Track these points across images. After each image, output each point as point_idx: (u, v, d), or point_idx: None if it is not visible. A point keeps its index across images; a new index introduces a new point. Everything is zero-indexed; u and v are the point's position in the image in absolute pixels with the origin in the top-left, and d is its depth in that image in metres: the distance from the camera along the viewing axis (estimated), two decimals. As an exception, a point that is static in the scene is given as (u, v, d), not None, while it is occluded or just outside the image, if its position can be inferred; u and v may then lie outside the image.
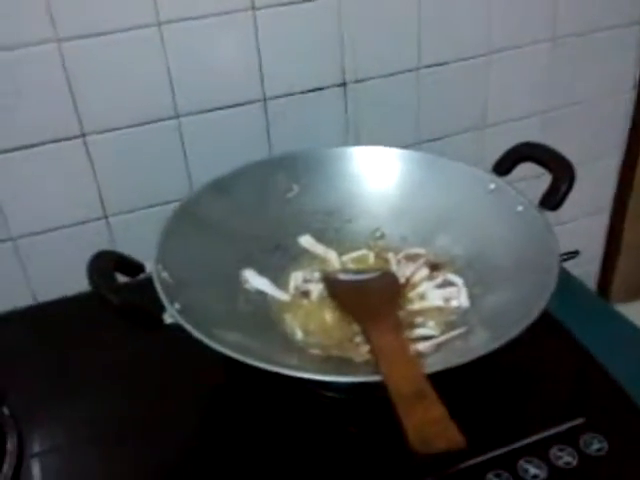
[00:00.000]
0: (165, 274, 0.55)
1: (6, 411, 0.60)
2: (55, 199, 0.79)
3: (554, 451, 0.54)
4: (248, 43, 0.79)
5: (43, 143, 0.76)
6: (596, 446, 0.54)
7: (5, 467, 0.54)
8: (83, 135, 0.77)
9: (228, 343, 0.49)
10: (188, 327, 0.49)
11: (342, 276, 0.63)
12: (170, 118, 0.80)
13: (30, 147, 0.76)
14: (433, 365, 0.47)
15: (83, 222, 0.82)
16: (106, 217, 0.83)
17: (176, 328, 0.51)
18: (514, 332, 0.49)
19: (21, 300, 0.83)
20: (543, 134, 1.00)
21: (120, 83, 0.75)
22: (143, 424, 0.60)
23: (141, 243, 0.75)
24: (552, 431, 0.55)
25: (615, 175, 1.13)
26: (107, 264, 0.52)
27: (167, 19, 0.74)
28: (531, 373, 0.61)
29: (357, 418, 0.60)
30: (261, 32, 0.79)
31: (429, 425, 0.39)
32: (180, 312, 0.51)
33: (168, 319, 0.51)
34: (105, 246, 0.83)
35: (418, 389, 0.42)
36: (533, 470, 0.53)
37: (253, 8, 0.77)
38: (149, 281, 0.54)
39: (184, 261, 0.58)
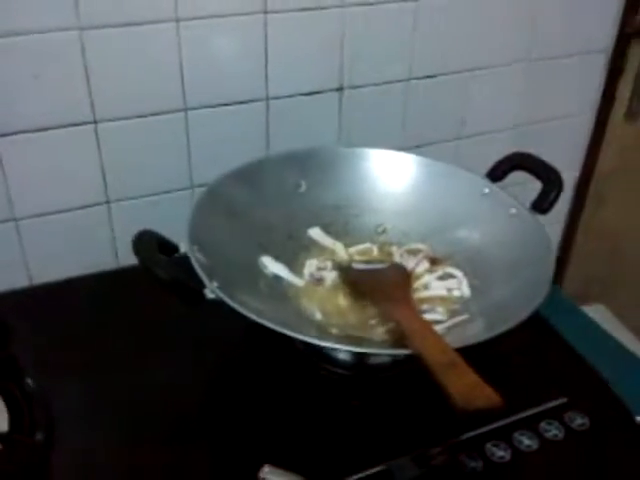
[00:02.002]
0: (200, 255, 0.59)
1: (31, 382, 0.62)
2: (60, 182, 0.81)
3: (543, 425, 0.61)
4: (257, 45, 0.84)
5: (56, 127, 0.78)
6: (579, 422, 0.62)
7: (38, 435, 0.56)
8: (95, 122, 0.79)
9: (262, 315, 0.53)
10: (230, 302, 0.53)
11: (356, 265, 0.68)
12: (178, 110, 0.83)
13: (43, 130, 0.77)
14: (452, 343, 0.53)
15: (84, 206, 0.84)
16: (108, 202, 0.85)
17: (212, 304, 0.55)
18: (513, 322, 0.55)
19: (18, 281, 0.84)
20: (514, 147, 1.08)
21: (135, 74, 0.79)
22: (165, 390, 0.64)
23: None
24: (541, 408, 0.62)
25: (572, 189, 1.22)
26: (151, 242, 0.56)
27: (185, 16, 0.78)
28: (520, 361, 0.68)
29: (359, 393, 0.65)
30: (270, 35, 0.83)
31: (470, 387, 0.45)
32: (219, 288, 0.55)
33: (209, 294, 0.55)
34: (105, 231, 0.87)
35: (451, 359, 0.48)
36: (526, 441, 0.59)
37: (265, 12, 0.82)
38: (183, 260, 0.58)
39: (211, 245, 0.62)
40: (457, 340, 0.54)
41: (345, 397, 0.64)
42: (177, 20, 0.78)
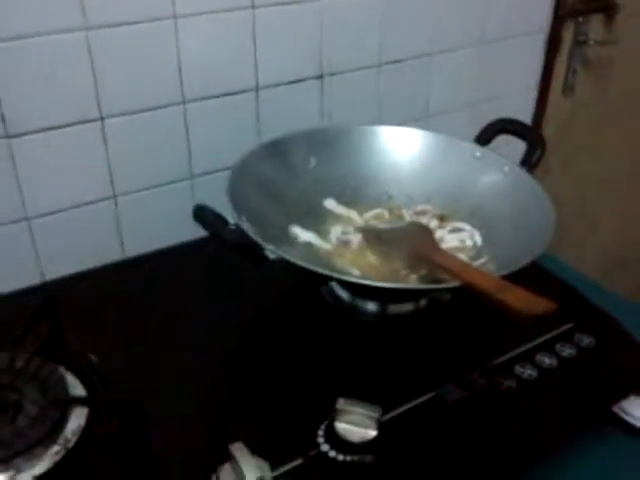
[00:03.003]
0: (247, 224, 0.64)
1: (94, 358, 0.65)
2: (70, 180, 0.84)
3: (559, 346, 0.70)
4: (247, 38, 0.89)
5: (65, 126, 0.80)
6: (586, 341, 0.71)
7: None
8: (102, 119, 0.82)
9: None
10: (289, 258, 0.59)
11: (381, 226, 0.75)
12: (177, 104, 0.88)
13: (53, 129, 0.80)
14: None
15: (92, 202, 0.87)
16: (115, 196, 0.88)
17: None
18: (535, 252, 0.63)
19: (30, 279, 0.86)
20: (470, 124, 1.18)
21: (137, 70, 0.83)
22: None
23: (146, 221, 0.84)
24: (555, 332, 0.71)
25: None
26: (212, 213, 0.61)
27: (183, 13, 0.82)
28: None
29: (386, 340, 0.72)
30: (258, 28, 0.89)
31: (527, 298, 0.52)
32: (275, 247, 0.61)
33: (271, 255, 0.60)
34: (112, 224, 0.89)
35: (501, 282, 0.56)
36: (547, 360, 0.68)
37: (253, 7, 0.88)
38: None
39: (252, 214, 0.67)
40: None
41: (379, 340, 0.71)
42: (175, 17, 0.82)
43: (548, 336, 0.71)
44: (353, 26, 0.98)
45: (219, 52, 0.88)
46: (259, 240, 0.61)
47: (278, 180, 0.76)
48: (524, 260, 0.62)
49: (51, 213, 0.84)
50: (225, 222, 0.65)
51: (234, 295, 0.77)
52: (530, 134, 0.80)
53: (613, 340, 0.72)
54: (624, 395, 0.66)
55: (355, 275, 0.69)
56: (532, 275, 0.58)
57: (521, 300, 0.52)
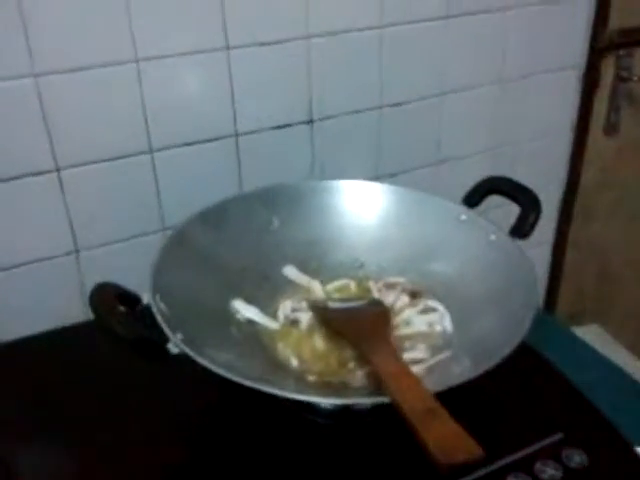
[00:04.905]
0: (163, 305, 0.55)
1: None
2: (25, 234, 0.78)
3: (539, 465, 0.57)
4: (222, 81, 0.82)
5: (16, 177, 0.75)
6: (577, 460, 0.58)
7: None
8: (57, 170, 0.77)
9: (234, 370, 0.50)
10: (195, 356, 0.50)
11: (332, 304, 0.65)
12: (144, 153, 0.81)
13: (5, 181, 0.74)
14: (432, 386, 0.50)
15: (51, 257, 0.81)
16: (77, 251, 0.82)
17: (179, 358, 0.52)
18: (500, 355, 0.52)
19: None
20: (491, 170, 1.07)
21: (95, 118, 0.76)
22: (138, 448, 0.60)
23: (110, 278, 0.77)
24: (535, 446, 0.58)
25: (557, 207, 1.20)
26: (109, 296, 0.53)
27: (145, 56, 0.76)
28: (510, 395, 0.65)
29: (345, 442, 0.61)
30: (234, 70, 0.82)
31: (449, 439, 0.41)
32: (184, 341, 0.52)
33: (174, 349, 0.51)
34: (74, 282, 0.83)
35: (430, 407, 0.44)
36: (520, 485, 0.56)
37: (227, 48, 0.80)
38: (146, 312, 0.55)
39: (178, 292, 0.59)
40: (439, 381, 0.51)
41: (330, 445, 0.60)
42: (137, 61, 0.76)
43: (527, 451, 0.58)
44: (346, 64, 0.88)
45: (189, 96, 0.81)
46: (166, 328, 0.52)
47: (225, 245, 0.67)
48: (497, 355, 0.52)
49: (3, 269, 0.79)
50: (137, 301, 0.56)
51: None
52: (523, 196, 0.68)
53: (610, 457, 0.58)
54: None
55: (290, 367, 0.59)
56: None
57: (441, 439, 0.41)
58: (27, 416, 0.64)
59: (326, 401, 0.50)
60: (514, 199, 0.69)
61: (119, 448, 0.60)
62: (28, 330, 0.80)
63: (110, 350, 0.54)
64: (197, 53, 0.79)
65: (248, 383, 0.48)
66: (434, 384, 0.50)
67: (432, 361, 0.59)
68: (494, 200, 0.74)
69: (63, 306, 0.83)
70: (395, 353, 0.54)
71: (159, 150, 0.82)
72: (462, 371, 0.55)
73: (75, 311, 0.82)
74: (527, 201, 0.67)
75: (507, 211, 0.73)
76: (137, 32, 0.73)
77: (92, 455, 0.60)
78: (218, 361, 0.51)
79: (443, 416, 0.43)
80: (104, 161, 0.79)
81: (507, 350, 0.52)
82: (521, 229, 0.67)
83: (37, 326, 0.80)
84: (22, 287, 0.81)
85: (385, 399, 0.48)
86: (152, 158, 0.82)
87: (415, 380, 0.49)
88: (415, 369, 0.57)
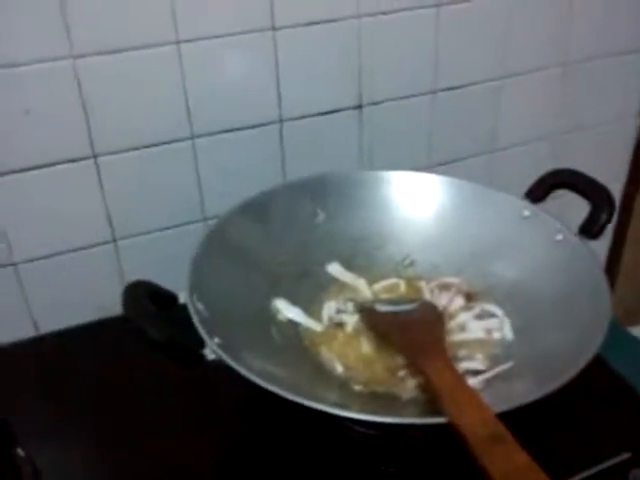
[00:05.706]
0: (200, 305, 0.52)
1: (21, 452, 0.56)
2: (62, 222, 0.76)
3: (608, 489, 0.52)
4: (267, 64, 0.77)
5: (53, 164, 0.72)
6: (648, 483, 0.53)
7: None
8: (95, 156, 0.74)
9: (274, 379, 0.46)
10: (233, 364, 0.46)
11: (380, 307, 0.60)
12: (184, 139, 0.77)
13: (40, 168, 0.71)
14: (493, 403, 0.45)
15: (90, 246, 0.78)
16: (114, 240, 0.79)
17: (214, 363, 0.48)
18: (569, 374, 0.46)
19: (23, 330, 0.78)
20: (551, 159, 1.00)
21: (134, 101, 0.72)
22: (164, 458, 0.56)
23: (149, 268, 0.73)
24: (600, 466, 0.53)
25: (618, 201, 1.13)
26: (143, 295, 0.49)
27: (186, 37, 0.72)
28: (574, 410, 0.59)
29: (390, 456, 0.57)
30: (280, 53, 0.77)
31: (518, 473, 0.36)
32: (221, 346, 0.48)
33: (210, 355, 0.48)
34: (113, 273, 0.80)
35: (494, 432, 0.39)
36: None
37: (273, 28, 0.75)
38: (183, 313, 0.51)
39: (216, 290, 0.55)
40: (500, 399, 0.46)
41: (374, 461, 0.56)
42: (178, 42, 0.72)
43: (591, 471, 0.53)
44: (401, 45, 0.82)
45: (232, 80, 0.77)
46: (202, 331, 0.49)
47: (267, 239, 0.63)
48: (565, 374, 0.46)
49: (38, 258, 0.77)
50: (173, 301, 0.53)
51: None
52: (594, 192, 0.62)
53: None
54: None
55: (335, 373, 0.55)
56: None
57: (509, 473, 0.36)
58: (55, 412, 0.61)
59: (373, 419, 0.45)
60: (584, 195, 0.62)
61: (148, 451, 0.57)
62: (70, 321, 0.78)
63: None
64: (241, 34, 0.74)
65: (290, 397, 0.44)
66: (495, 401, 0.45)
67: (491, 373, 0.53)
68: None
69: (103, 297, 0.80)
70: (451, 364, 0.49)
71: (200, 136, 0.78)
72: (524, 386, 0.49)
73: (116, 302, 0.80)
74: (599, 198, 0.61)
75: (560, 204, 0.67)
76: (178, 11, 0.69)
77: (124, 455, 0.57)
78: (256, 367, 0.47)
79: (510, 444, 0.38)
80: (143, 147, 0.75)
81: (576, 369, 0.47)
82: (591, 229, 0.60)
83: (77, 318, 0.79)
84: (60, 277, 0.78)
85: (441, 419, 0.43)
86: (193, 145, 0.78)
87: (476, 398, 0.44)
88: (472, 382, 0.52)
